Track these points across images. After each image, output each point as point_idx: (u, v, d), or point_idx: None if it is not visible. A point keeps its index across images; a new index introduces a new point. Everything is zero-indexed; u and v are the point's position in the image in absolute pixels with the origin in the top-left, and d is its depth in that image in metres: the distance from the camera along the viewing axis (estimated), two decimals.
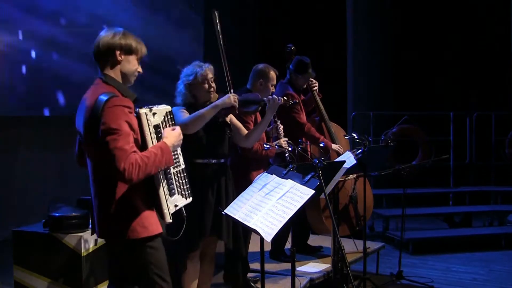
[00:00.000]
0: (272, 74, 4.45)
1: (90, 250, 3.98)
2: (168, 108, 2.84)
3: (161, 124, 2.76)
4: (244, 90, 4.43)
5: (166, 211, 2.69)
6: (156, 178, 2.69)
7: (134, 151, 2.56)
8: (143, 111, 2.69)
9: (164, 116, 2.79)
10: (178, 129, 2.80)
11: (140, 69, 2.87)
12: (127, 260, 2.75)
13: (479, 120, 8.65)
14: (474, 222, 7.69)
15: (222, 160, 3.77)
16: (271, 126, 4.43)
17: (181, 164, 2.85)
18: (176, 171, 2.80)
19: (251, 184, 4.17)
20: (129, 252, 2.72)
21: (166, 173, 2.74)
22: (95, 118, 2.59)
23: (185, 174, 2.85)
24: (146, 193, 2.72)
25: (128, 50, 2.78)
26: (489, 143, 8.55)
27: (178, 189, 2.78)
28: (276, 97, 3.88)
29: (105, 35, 2.77)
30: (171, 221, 2.71)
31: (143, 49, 2.85)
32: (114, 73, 2.77)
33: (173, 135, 2.75)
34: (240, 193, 4.13)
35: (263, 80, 4.42)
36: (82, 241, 3.92)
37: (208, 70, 3.72)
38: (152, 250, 2.72)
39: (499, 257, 6.17)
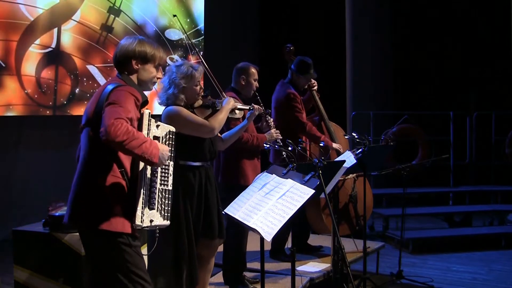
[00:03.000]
0: (253, 70, 4.55)
1: None
2: (173, 128, 2.87)
3: (161, 139, 2.78)
4: (229, 89, 4.53)
5: (138, 212, 2.67)
6: (139, 182, 2.69)
7: (127, 121, 2.58)
8: (147, 111, 2.72)
9: (167, 133, 2.82)
10: (167, 148, 2.78)
11: (160, 75, 2.96)
12: (104, 257, 2.74)
13: (479, 119, 8.65)
14: (474, 221, 7.69)
15: (207, 163, 3.75)
16: (261, 122, 4.50)
17: (169, 185, 2.82)
18: (162, 189, 2.78)
19: (245, 174, 4.25)
20: (104, 247, 2.71)
21: (152, 185, 2.74)
22: (101, 102, 2.66)
23: (170, 196, 2.82)
24: (124, 193, 2.71)
25: (144, 59, 2.86)
26: (489, 142, 8.55)
27: (159, 206, 2.75)
28: (257, 107, 4.07)
29: (122, 44, 2.88)
30: (140, 224, 2.67)
31: (160, 56, 2.92)
32: (132, 79, 2.86)
33: (164, 147, 2.74)
34: (234, 185, 4.18)
35: (244, 76, 4.52)
36: None
37: (201, 72, 3.71)
38: (126, 247, 2.71)
39: (499, 256, 6.17)
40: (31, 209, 6.44)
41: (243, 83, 4.52)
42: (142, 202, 2.68)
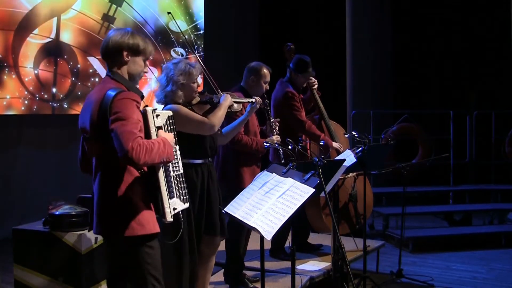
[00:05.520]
0: (265, 71, 4.48)
1: (90, 248, 3.98)
2: (170, 113, 2.88)
3: (163, 127, 2.79)
4: (238, 88, 4.48)
5: (167, 209, 2.70)
6: (158, 177, 2.70)
7: (141, 137, 2.61)
8: (149, 108, 2.74)
9: (166, 120, 2.83)
10: (171, 135, 2.80)
11: (146, 70, 2.95)
12: (124, 258, 2.76)
13: (479, 118, 8.65)
14: (474, 220, 7.69)
15: (208, 160, 3.77)
16: (265, 126, 4.47)
17: (180, 169, 2.86)
18: (176, 175, 2.81)
19: (241, 178, 4.25)
20: (126, 251, 2.73)
21: (167, 176, 2.75)
22: (104, 110, 2.64)
23: (183, 179, 2.86)
24: (146, 193, 2.73)
25: (135, 51, 2.85)
26: (489, 141, 8.55)
27: (177, 192, 2.79)
28: (259, 99, 4.05)
29: (114, 35, 2.85)
30: (171, 220, 2.71)
31: (150, 50, 2.92)
32: (121, 72, 2.84)
33: (169, 136, 2.77)
34: (230, 188, 4.19)
35: (254, 77, 4.46)
36: (82, 239, 3.92)
37: (198, 70, 3.70)
38: (149, 249, 2.74)
39: (499, 255, 6.16)
40: (31, 208, 6.45)
41: (253, 84, 4.46)
42: (168, 198, 2.71)
